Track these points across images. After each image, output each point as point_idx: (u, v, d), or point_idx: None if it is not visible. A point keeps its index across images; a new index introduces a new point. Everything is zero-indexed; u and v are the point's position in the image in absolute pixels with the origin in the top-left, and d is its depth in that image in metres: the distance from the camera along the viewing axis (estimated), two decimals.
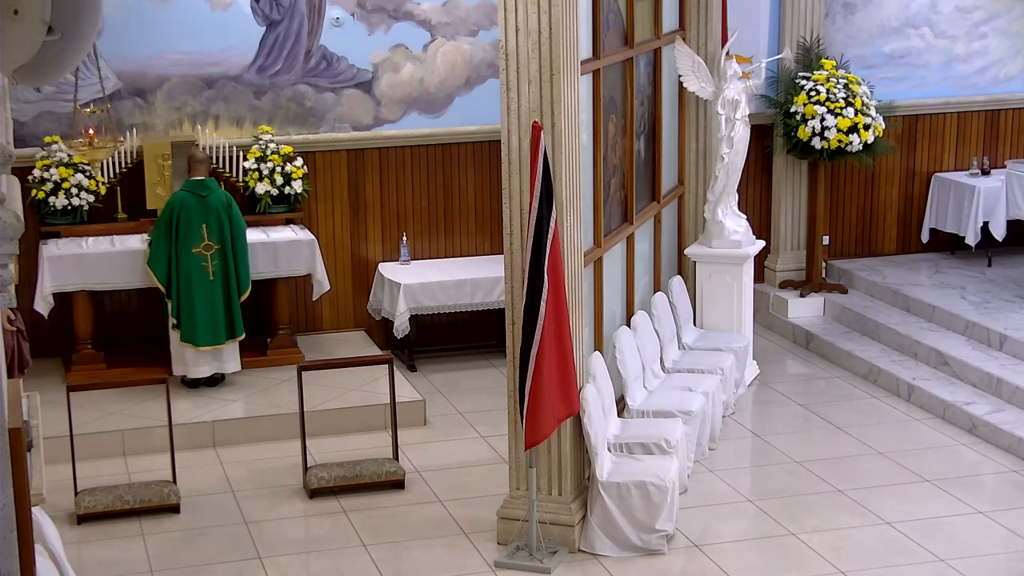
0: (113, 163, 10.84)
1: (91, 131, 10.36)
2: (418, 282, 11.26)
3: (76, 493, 8.78)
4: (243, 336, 10.46)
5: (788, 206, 12.62)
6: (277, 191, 11.04)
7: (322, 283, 10.98)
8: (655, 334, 10.00)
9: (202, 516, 8.78)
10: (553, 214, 7.64)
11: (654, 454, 8.50)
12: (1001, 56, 13.03)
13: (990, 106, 13.03)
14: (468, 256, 11.94)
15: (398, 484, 9.11)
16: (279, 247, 10.82)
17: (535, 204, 7.56)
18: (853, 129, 11.76)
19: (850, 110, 11.75)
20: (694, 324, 10.90)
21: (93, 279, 10.48)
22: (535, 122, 7.65)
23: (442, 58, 11.68)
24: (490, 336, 11.86)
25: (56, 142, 10.78)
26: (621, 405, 9.27)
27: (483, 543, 8.27)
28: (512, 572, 7.93)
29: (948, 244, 13.00)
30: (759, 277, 12.40)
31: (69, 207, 10.68)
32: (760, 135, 12.18)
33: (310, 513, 8.83)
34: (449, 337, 11.97)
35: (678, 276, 10.98)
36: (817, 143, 11.82)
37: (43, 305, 10.39)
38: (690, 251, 10.96)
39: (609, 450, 8.44)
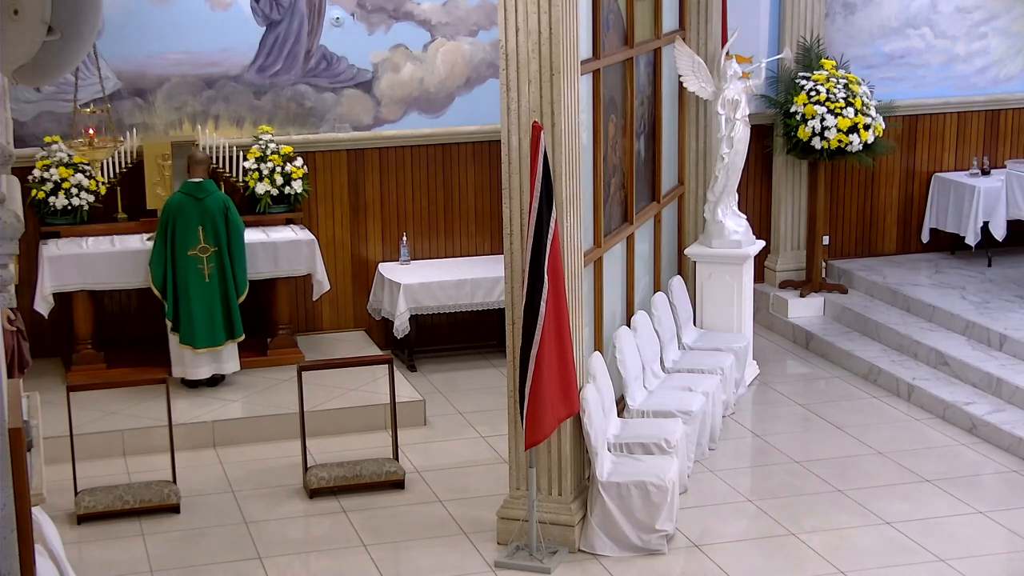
0: (113, 163, 10.84)
1: (91, 131, 10.36)
2: (418, 282, 11.26)
3: (76, 493, 8.78)
4: (243, 337, 10.46)
5: (788, 206, 12.62)
6: (277, 191, 11.04)
7: (322, 283, 10.98)
8: (655, 334, 10.00)
9: (202, 516, 8.78)
10: (553, 214, 7.64)
11: (654, 454, 8.50)
12: (1001, 56, 13.03)
13: (990, 106, 13.03)
14: (468, 256, 11.94)
15: (398, 484, 9.11)
16: (279, 247, 10.82)
17: (535, 204, 7.56)
18: (853, 129, 11.76)
19: (850, 110, 11.75)
20: (694, 324, 10.90)
21: (93, 279, 10.48)
22: (535, 122, 7.65)
23: (442, 58, 11.68)
24: (490, 336, 11.86)
25: (56, 142, 10.78)
26: (621, 405, 9.28)
27: (483, 543, 8.27)
28: (512, 572, 7.93)
29: (948, 244, 13.00)
30: (759, 277, 12.41)
31: (69, 207, 10.69)
32: (760, 135, 12.18)
33: (310, 513, 8.83)
34: (449, 337, 11.97)
35: (678, 276, 10.98)
36: (817, 143, 11.82)
37: (43, 305, 10.39)
38: (690, 251, 10.96)
39: (609, 450, 8.44)
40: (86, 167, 10.61)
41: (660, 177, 10.68)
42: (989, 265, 12.51)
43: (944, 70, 12.93)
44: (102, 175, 10.75)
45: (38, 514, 5.62)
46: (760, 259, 12.37)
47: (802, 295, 12.34)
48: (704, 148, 11.24)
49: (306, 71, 11.40)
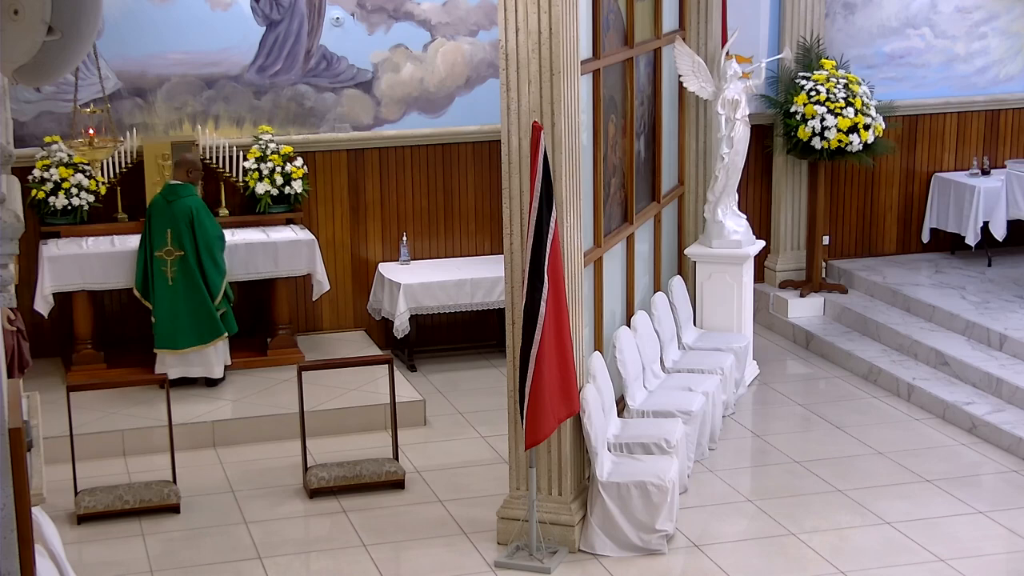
0: (113, 163, 10.84)
1: (91, 131, 10.36)
2: (418, 282, 11.26)
3: (76, 493, 8.78)
4: (224, 337, 10.33)
5: (788, 206, 12.62)
6: (277, 191, 11.04)
7: (322, 283, 10.98)
8: (655, 334, 10.00)
9: (202, 516, 8.78)
10: (553, 214, 7.64)
11: (654, 454, 8.50)
12: (1001, 56, 13.03)
13: (990, 106, 13.03)
14: (468, 256, 11.94)
15: (398, 484, 9.11)
16: (279, 247, 10.82)
17: (535, 204, 7.55)
18: (853, 129, 11.76)
19: (850, 110, 11.75)
20: (694, 324, 10.90)
21: (93, 279, 10.48)
22: (535, 122, 7.65)
23: (442, 58, 11.68)
24: (490, 336, 11.86)
25: (56, 142, 10.78)
26: (621, 405, 9.27)
27: (483, 543, 8.27)
28: (512, 572, 7.92)
29: (948, 244, 13.00)
30: (759, 277, 12.41)
31: (69, 207, 10.69)
32: (760, 135, 12.18)
33: (310, 513, 8.83)
34: (449, 337, 11.97)
35: (678, 276, 10.98)
36: (817, 143, 11.82)
37: (43, 305, 10.39)
38: (690, 251, 10.96)
39: (609, 450, 8.44)
40: (86, 167, 10.61)
41: (660, 177, 10.68)
42: (989, 265, 12.52)
43: (944, 70, 12.93)
44: (102, 175, 10.75)
45: (38, 514, 5.62)
46: (760, 259, 12.37)
47: (802, 295, 12.34)
48: (704, 148, 11.24)
49: (306, 71, 11.41)
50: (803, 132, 11.84)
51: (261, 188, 10.99)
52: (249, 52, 11.26)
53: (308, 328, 11.70)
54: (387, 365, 9.36)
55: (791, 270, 12.66)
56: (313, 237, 10.99)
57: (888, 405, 10.57)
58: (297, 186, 11.06)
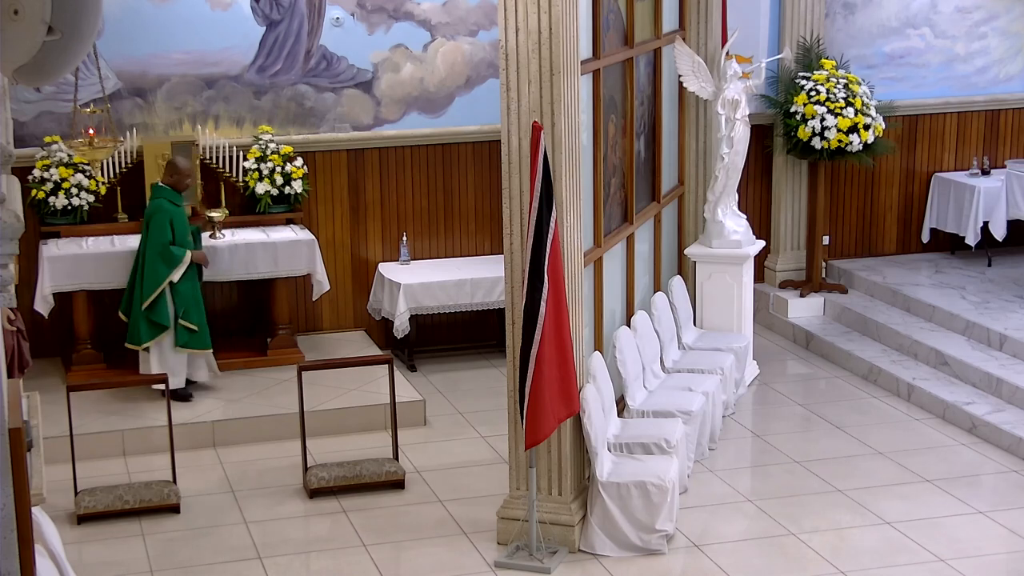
0: (113, 163, 10.85)
1: (91, 131, 10.36)
2: (418, 282, 11.26)
3: (76, 493, 8.78)
4: (141, 347, 10.08)
5: (788, 206, 12.62)
6: (277, 191, 11.04)
7: (322, 283, 10.98)
8: (655, 334, 9.99)
9: (202, 516, 8.78)
10: (553, 214, 7.64)
11: (654, 454, 8.50)
12: (1001, 56, 13.03)
13: (990, 106, 13.03)
14: (468, 256, 11.94)
15: (398, 484, 9.11)
16: (279, 247, 10.82)
17: (535, 204, 7.55)
18: (853, 129, 11.76)
19: (850, 110, 11.75)
20: (694, 324, 10.90)
21: (93, 279, 10.48)
22: (535, 122, 7.65)
23: (442, 58, 11.68)
24: (490, 336, 11.86)
25: (56, 142, 10.78)
26: (621, 405, 9.27)
27: (483, 543, 8.27)
28: (512, 572, 7.92)
29: (948, 244, 13.00)
30: (759, 277, 12.40)
31: (69, 207, 10.69)
32: (760, 135, 12.18)
33: (310, 513, 8.83)
34: (449, 337, 11.97)
35: (678, 276, 10.98)
36: (817, 143, 11.82)
37: (43, 305, 10.39)
38: (690, 251, 10.96)
39: (609, 450, 8.44)
40: (86, 167, 10.61)
41: (660, 177, 10.68)
42: (989, 265, 12.51)
43: (944, 70, 12.93)
44: (102, 175, 10.75)
45: (38, 514, 5.62)
46: (760, 259, 12.37)
47: (802, 295, 12.34)
48: (704, 148, 11.24)
49: (306, 71, 11.40)
50: (803, 132, 11.84)
51: (261, 188, 10.99)
52: (249, 52, 11.26)
53: (308, 328, 11.70)
54: (387, 365, 9.36)
55: (791, 270, 12.66)
56: (313, 237, 10.99)
57: (888, 405, 10.57)
58: (297, 186, 11.06)
